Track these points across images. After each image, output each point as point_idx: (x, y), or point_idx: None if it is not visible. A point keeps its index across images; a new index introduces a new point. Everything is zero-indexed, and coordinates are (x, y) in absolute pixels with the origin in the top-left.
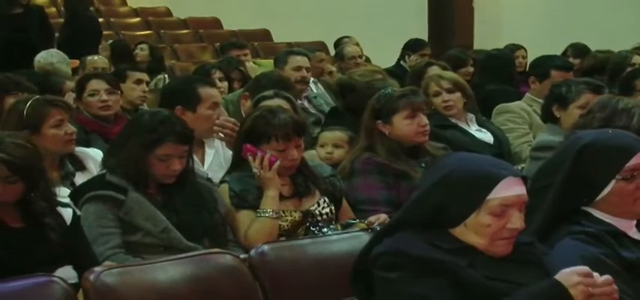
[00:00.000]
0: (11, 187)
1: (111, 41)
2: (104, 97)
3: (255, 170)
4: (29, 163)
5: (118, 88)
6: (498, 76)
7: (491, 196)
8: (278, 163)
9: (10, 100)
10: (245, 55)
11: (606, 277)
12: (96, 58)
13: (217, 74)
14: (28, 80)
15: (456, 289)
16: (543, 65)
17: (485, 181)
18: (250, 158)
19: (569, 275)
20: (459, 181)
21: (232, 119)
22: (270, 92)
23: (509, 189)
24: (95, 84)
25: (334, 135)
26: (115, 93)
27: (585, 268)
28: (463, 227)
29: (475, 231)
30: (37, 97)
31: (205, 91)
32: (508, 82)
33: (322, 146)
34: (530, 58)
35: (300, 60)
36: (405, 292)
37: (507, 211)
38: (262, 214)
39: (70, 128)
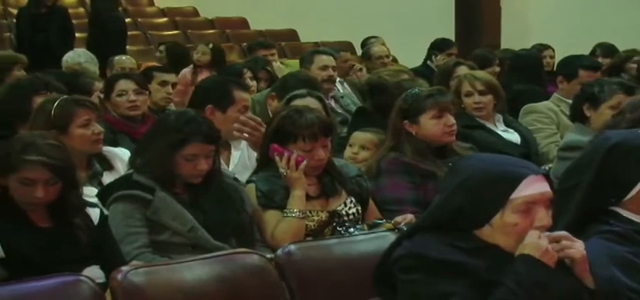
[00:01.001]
0: (51, 189)
1: (166, 44)
2: (132, 97)
3: (281, 170)
4: (68, 164)
5: (145, 88)
6: (526, 76)
7: (514, 195)
8: (305, 162)
9: (38, 100)
10: (272, 55)
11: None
12: (124, 58)
13: (248, 74)
14: (56, 80)
15: (477, 290)
16: (571, 65)
17: (508, 181)
18: (277, 158)
19: (535, 245)
20: (481, 183)
21: (255, 117)
22: (303, 91)
23: (533, 186)
24: (124, 84)
25: (365, 136)
26: (142, 93)
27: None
28: (489, 228)
29: (502, 231)
30: (65, 96)
31: (239, 93)
32: (536, 81)
33: (351, 145)
34: (557, 58)
35: (326, 59)
36: (426, 292)
37: (533, 208)
38: (289, 214)
39: (98, 128)
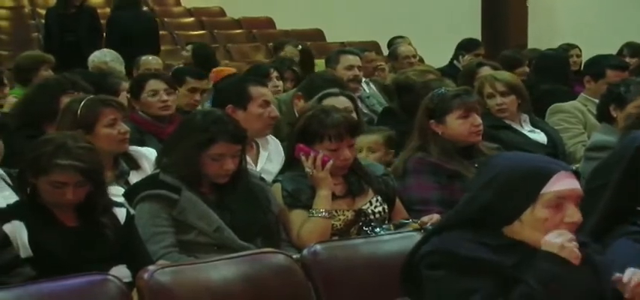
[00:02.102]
0: (80, 191)
1: (193, 44)
2: (164, 97)
3: (307, 170)
4: (97, 167)
5: (175, 88)
6: (553, 76)
7: (545, 190)
8: (331, 162)
9: (65, 100)
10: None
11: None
12: (150, 58)
13: (274, 74)
14: (84, 80)
15: (501, 287)
16: (598, 64)
17: (539, 176)
18: (303, 158)
19: (553, 241)
20: (511, 178)
21: None
22: (335, 90)
23: (564, 182)
24: (155, 84)
25: (369, 139)
26: (173, 93)
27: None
28: (519, 224)
29: (532, 226)
30: (91, 96)
31: (256, 89)
32: (563, 81)
33: (359, 151)
34: (584, 58)
35: (352, 59)
36: (451, 288)
37: (563, 204)
38: (315, 214)
39: (124, 127)
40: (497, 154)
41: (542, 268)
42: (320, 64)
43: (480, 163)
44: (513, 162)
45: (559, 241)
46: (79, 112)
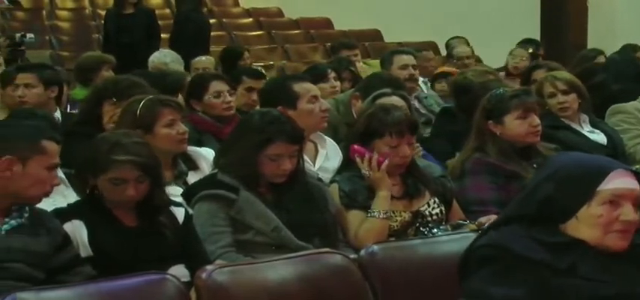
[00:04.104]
0: (141, 187)
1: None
2: (228, 98)
3: (364, 172)
4: (154, 162)
5: (235, 89)
6: (623, 76)
7: (602, 187)
8: (386, 162)
9: (107, 107)
10: (355, 55)
11: None
12: (204, 59)
13: (332, 74)
14: (147, 81)
15: (544, 296)
16: None
17: (596, 173)
18: (358, 160)
19: None
20: (569, 174)
21: None
22: (387, 90)
23: (621, 181)
24: (218, 85)
25: None
26: (234, 94)
27: None
28: (575, 220)
29: (587, 223)
30: (150, 97)
31: (301, 86)
32: (634, 81)
33: None
34: None
35: (406, 58)
36: (489, 291)
37: (620, 202)
38: (373, 215)
39: (182, 128)
40: (558, 152)
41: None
42: (377, 65)
43: (539, 162)
44: (573, 159)
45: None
46: (138, 112)
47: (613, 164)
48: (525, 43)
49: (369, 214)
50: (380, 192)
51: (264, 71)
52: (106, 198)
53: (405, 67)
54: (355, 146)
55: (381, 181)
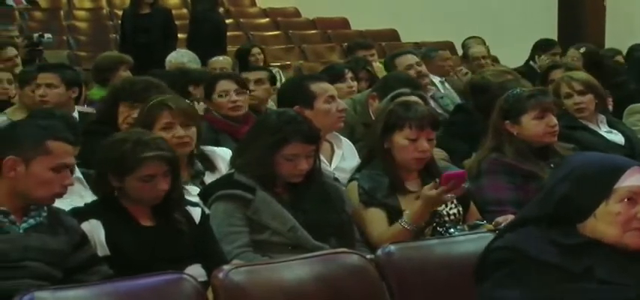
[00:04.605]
0: (167, 181)
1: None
2: (234, 97)
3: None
4: (175, 155)
5: (246, 88)
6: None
7: (618, 184)
8: (465, 186)
9: (122, 108)
10: (371, 55)
11: None
12: (221, 58)
13: (349, 74)
14: (165, 80)
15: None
16: None
17: (612, 171)
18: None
19: None
20: (586, 172)
21: None
22: (406, 89)
23: (638, 178)
24: (225, 85)
25: None
26: (243, 93)
27: None
28: (593, 219)
29: (605, 221)
30: (159, 98)
31: (318, 86)
32: None
33: None
34: None
35: (409, 58)
36: (503, 294)
37: (637, 199)
38: (404, 224)
39: (180, 132)
40: (574, 153)
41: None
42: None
43: (556, 162)
44: (589, 158)
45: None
46: (143, 113)
47: (629, 162)
48: (544, 44)
49: (400, 222)
50: (423, 208)
51: (271, 68)
52: (133, 197)
53: (409, 67)
54: (448, 174)
55: (435, 202)
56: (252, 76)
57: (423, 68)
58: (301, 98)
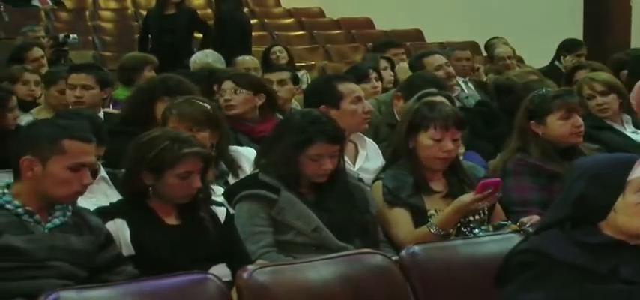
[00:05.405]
0: (199, 179)
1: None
2: (227, 96)
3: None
4: (211, 155)
5: (245, 87)
6: None
7: (631, 176)
8: (498, 196)
9: (160, 106)
10: (402, 54)
11: None
12: (247, 58)
13: (373, 74)
14: (191, 81)
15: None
16: None
17: (623, 164)
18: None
19: None
20: (598, 170)
21: None
22: (433, 89)
23: None
24: (224, 84)
25: None
26: (241, 93)
27: None
28: (613, 214)
29: (626, 213)
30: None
31: (346, 86)
32: None
33: None
34: None
35: (438, 58)
36: (528, 297)
37: None
38: (432, 227)
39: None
40: (584, 157)
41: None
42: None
43: (570, 165)
44: (600, 157)
45: None
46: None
47: (637, 155)
48: (569, 45)
49: (428, 225)
50: (454, 214)
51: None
52: (167, 195)
53: (439, 67)
54: (485, 182)
55: (472, 209)
56: (274, 77)
57: (451, 69)
58: (328, 98)
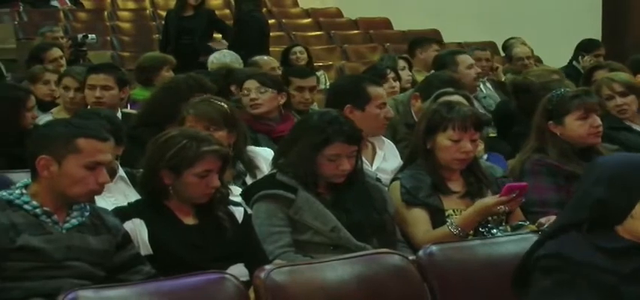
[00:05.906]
0: (217, 178)
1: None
2: (253, 95)
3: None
4: (229, 154)
5: (271, 86)
6: None
7: None
8: (521, 200)
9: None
10: (436, 51)
11: None
12: (266, 58)
13: (391, 75)
14: (210, 80)
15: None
16: None
17: None
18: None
19: None
20: (617, 173)
21: None
22: (450, 89)
23: None
24: (247, 83)
25: None
26: (265, 92)
27: None
28: (631, 220)
29: None
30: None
31: (374, 90)
32: None
33: None
34: None
35: (469, 57)
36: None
37: None
38: (452, 228)
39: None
40: (600, 157)
41: None
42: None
43: (587, 165)
44: (618, 159)
45: None
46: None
47: None
48: (587, 45)
49: (448, 225)
50: (475, 216)
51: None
52: (186, 194)
53: (471, 66)
54: (510, 185)
55: (491, 211)
56: (305, 83)
57: (479, 69)
58: (355, 99)
